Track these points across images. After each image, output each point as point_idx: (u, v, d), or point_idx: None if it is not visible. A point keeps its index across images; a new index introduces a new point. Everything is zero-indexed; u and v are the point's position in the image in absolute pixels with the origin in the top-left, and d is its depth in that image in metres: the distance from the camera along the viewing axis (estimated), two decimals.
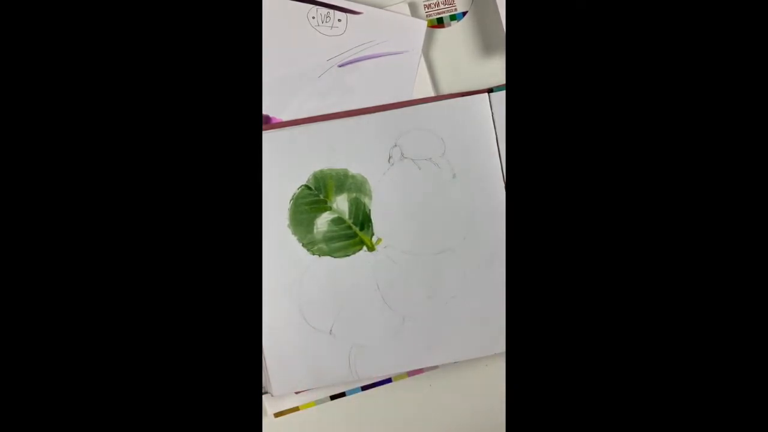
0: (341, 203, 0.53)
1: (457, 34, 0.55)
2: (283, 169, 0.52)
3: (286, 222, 0.52)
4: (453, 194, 0.53)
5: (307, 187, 0.52)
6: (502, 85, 0.54)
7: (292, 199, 0.52)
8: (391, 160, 0.53)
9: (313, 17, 0.53)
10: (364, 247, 0.53)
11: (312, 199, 0.52)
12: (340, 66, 0.53)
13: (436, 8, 0.55)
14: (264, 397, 0.54)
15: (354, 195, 0.53)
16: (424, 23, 0.53)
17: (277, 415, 0.54)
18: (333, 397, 0.55)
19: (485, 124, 0.53)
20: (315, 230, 0.53)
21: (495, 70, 0.55)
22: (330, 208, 0.53)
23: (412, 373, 0.54)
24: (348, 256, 0.53)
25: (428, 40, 0.54)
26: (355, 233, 0.53)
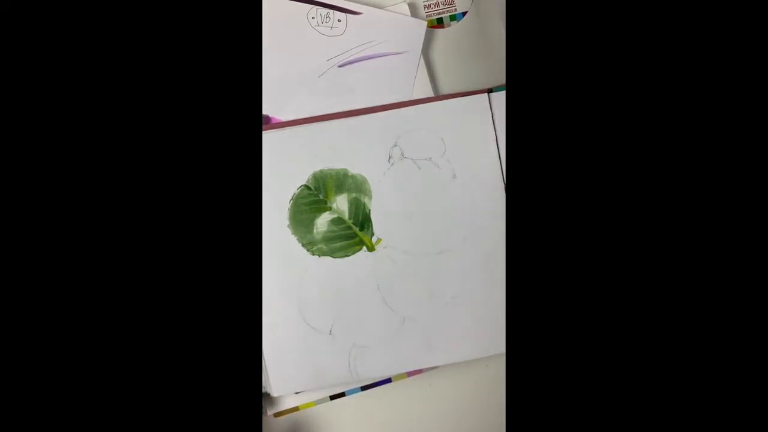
0: (341, 203, 0.53)
1: (457, 34, 0.55)
2: (283, 169, 0.52)
3: (286, 222, 0.52)
4: (453, 194, 0.53)
5: (307, 187, 0.52)
6: (502, 85, 0.54)
7: (292, 199, 0.52)
8: (391, 160, 0.53)
9: (313, 17, 0.53)
10: (364, 247, 0.53)
11: (312, 199, 0.52)
12: (340, 66, 0.53)
13: (436, 8, 0.55)
14: (264, 397, 0.54)
15: (354, 195, 0.53)
16: (424, 23, 0.53)
17: (277, 415, 0.54)
18: (333, 397, 0.55)
19: (485, 124, 0.53)
20: (315, 230, 0.52)
21: (495, 70, 0.55)
22: (330, 208, 0.53)
23: (412, 373, 0.54)
24: (348, 256, 0.53)
25: (428, 40, 0.54)
26: (354, 233, 0.53)
